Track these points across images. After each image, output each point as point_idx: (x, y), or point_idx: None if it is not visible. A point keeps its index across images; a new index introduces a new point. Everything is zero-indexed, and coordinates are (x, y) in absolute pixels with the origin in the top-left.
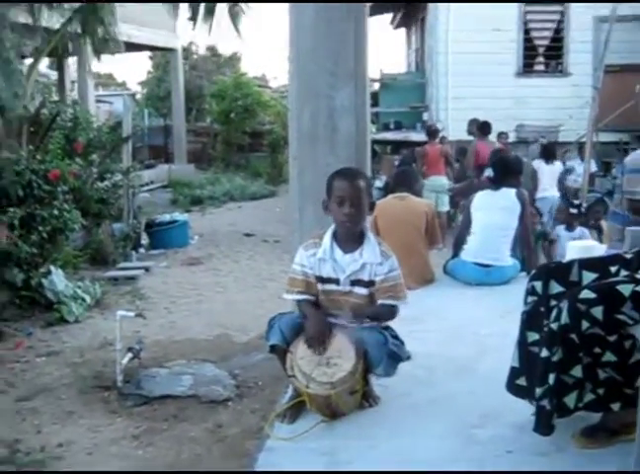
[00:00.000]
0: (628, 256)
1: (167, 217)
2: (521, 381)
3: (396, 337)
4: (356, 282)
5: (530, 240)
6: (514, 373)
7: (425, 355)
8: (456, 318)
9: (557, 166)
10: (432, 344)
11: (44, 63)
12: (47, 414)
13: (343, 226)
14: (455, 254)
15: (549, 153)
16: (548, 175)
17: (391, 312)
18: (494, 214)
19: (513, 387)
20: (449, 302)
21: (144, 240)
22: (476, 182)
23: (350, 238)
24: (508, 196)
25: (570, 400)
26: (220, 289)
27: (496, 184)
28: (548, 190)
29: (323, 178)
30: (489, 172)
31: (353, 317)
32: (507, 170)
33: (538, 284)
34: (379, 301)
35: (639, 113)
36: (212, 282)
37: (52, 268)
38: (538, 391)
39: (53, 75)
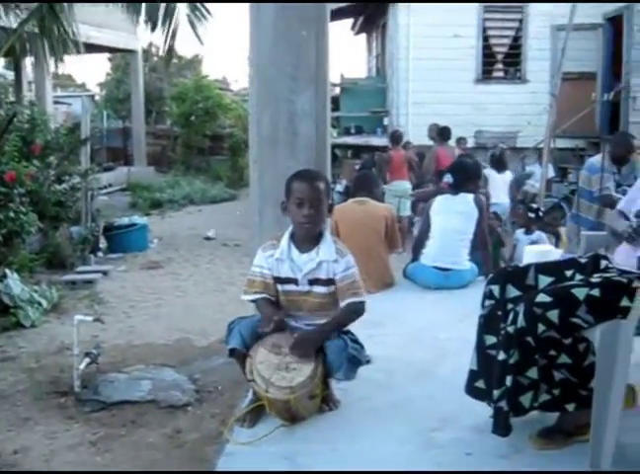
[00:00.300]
0: (583, 260)
1: (126, 220)
2: (480, 384)
3: (356, 341)
4: (314, 282)
5: (488, 244)
6: (472, 376)
7: (384, 359)
8: (416, 322)
9: (507, 175)
10: (391, 347)
11: (1, 63)
12: (2, 420)
13: (301, 228)
14: (415, 258)
15: (500, 163)
16: (500, 183)
17: (358, 309)
18: (452, 219)
19: (472, 390)
20: (409, 306)
21: (103, 244)
22: (434, 187)
23: (307, 238)
24: (466, 200)
25: (525, 400)
26: (180, 293)
27: (455, 189)
28: (500, 197)
29: (283, 181)
30: (448, 177)
31: (311, 318)
32: (466, 175)
33: (496, 288)
34: (344, 302)
35: (594, 120)
36: (172, 286)
37: (8, 271)
38: (496, 393)
39: (10, 75)
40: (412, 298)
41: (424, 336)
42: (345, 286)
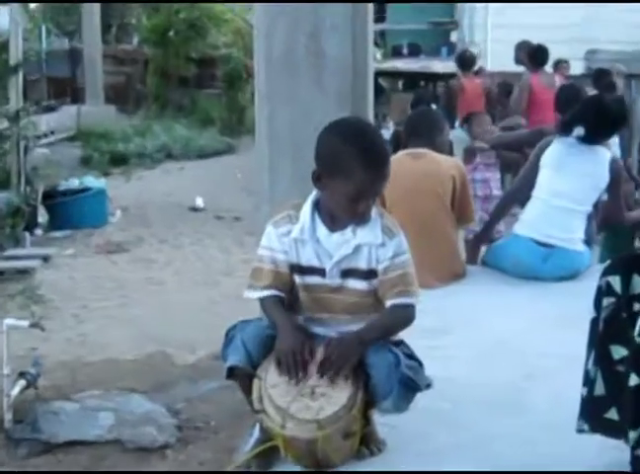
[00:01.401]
0: None
1: (75, 184)
2: (612, 414)
3: (412, 356)
4: (349, 273)
5: (624, 219)
6: (598, 404)
7: (451, 382)
8: (496, 329)
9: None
10: (461, 366)
11: None
12: None
13: (346, 217)
14: (489, 226)
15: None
16: None
17: (406, 316)
18: (572, 178)
19: (600, 424)
20: (487, 305)
21: (42, 217)
22: (529, 131)
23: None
24: (599, 158)
25: None
26: (154, 288)
27: (586, 138)
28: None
29: (305, 123)
30: (579, 130)
31: (344, 324)
32: (605, 121)
33: (616, 281)
34: (389, 302)
35: None
36: (142, 278)
37: None
38: (632, 436)
39: None
40: (491, 294)
41: (507, 349)
42: (391, 281)
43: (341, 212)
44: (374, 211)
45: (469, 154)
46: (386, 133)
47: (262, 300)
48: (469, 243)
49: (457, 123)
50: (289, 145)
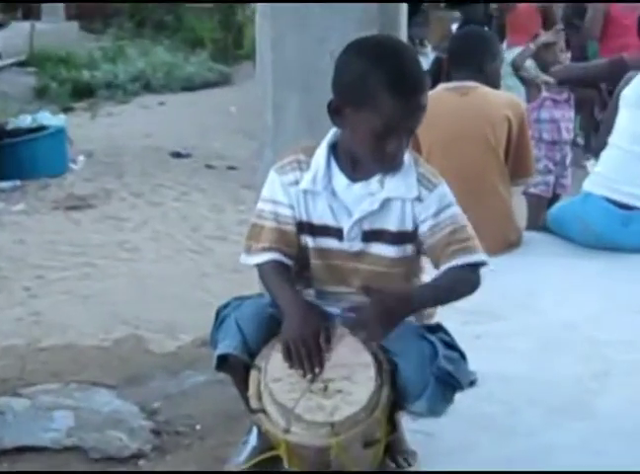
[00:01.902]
0: None
1: (27, 121)
2: None
3: (452, 345)
4: (373, 235)
5: None
6: None
7: (501, 380)
8: (560, 313)
9: None
10: (514, 359)
11: None
12: None
13: (370, 159)
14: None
15: None
16: None
17: (469, 279)
18: None
19: None
20: (548, 283)
21: None
22: (604, 63)
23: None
24: None
25: None
26: (126, 255)
27: None
28: None
29: (318, 49)
30: None
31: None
32: None
33: None
34: (446, 265)
35: None
36: (111, 243)
37: None
38: None
39: None
40: (554, 268)
41: (574, 338)
42: (441, 242)
43: (365, 154)
44: (408, 157)
45: (533, 88)
46: (424, 62)
47: (260, 267)
48: (532, 199)
49: (505, 46)
50: (299, 75)
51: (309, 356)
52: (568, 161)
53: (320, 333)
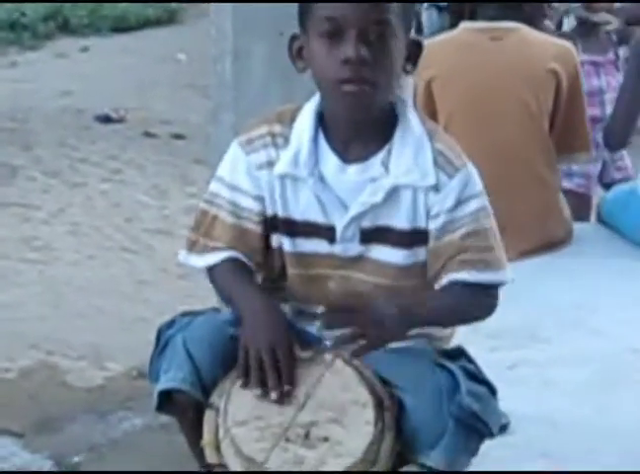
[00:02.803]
0: None
1: None
2: None
3: (477, 377)
4: (376, 235)
5: None
6: None
7: (543, 424)
8: (620, 333)
9: None
10: (561, 396)
11: None
12: None
13: (342, 99)
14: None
15: None
16: None
17: (480, 303)
18: None
19: None
20: (604, 294)
21: None
22: None
23: (359, 127)
24: None
25: None
26: (35, 256)
27: None
28: None
29: None
30: None
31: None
32: None
33: None
34: (447, 278)
35: None
36: (16, 238)
37: None
38: None
39: None
40: (612, 273)
41: (637, 365)
42: (454, 243)
43: (331, 90)
44: (419, 126)
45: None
46: None
47: (212, 270)
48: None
49: None
50: (267, 10)
51: (275, 368)
52: None
53: (292, 342)
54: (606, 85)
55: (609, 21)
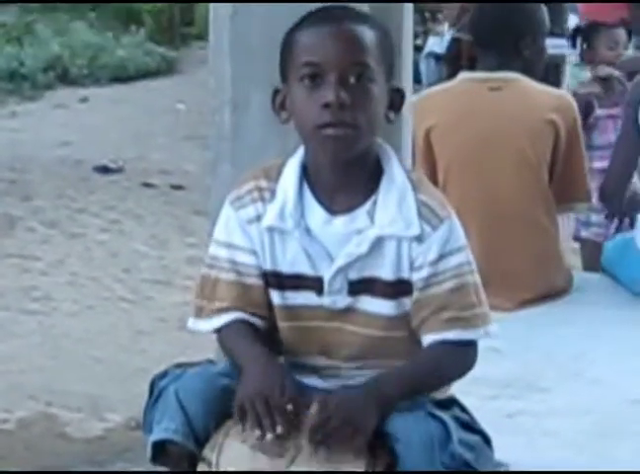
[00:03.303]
0: None
1: None
2: None
3: (471, 426)
4: (363, 287)
5: None
6: None
7: (544, 472)
8: (620, 383)
9: None
10: (560, 446)
11: None
12: None
13: (324, 143)
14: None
15: None
16: None
17: (459, 362)
18: None
19: None
20: (604, 344)
21: None
22: None
23: (344, 176)
24: None
25: None
26: (35, 306)
27: None
28: None
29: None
30: None
31: (355, 373)
32: None
33: None
34: (429, 337)
35: None
36: (15, 289)
37: None
38: None
39: None
40: (612, 323)
41: (636, 416)
42: (437, 300)
43: (312, 135)
44: (403, 178)
45: (580, 99)
46: (438, 44)
47: (220, 332)
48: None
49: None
50: (265, 60)
51: (269, 414)
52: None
53: (287, 392)
54: None
55: (612, 73)
